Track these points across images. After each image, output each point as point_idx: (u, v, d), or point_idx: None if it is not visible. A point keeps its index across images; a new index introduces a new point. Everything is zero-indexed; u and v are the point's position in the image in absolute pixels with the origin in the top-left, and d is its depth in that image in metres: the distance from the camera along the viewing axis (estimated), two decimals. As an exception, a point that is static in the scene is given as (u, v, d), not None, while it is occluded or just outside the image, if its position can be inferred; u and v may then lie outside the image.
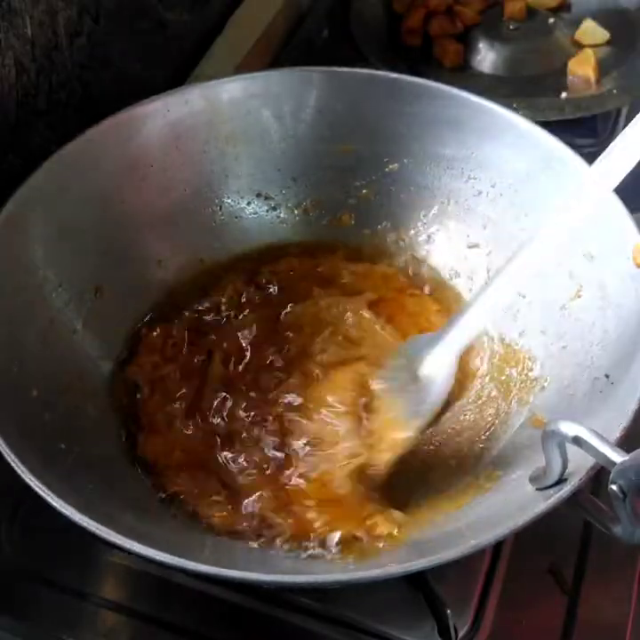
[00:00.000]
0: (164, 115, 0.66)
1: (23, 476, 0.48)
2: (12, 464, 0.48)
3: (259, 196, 0.71)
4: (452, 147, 0.67)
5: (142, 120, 0.66)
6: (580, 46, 0.88)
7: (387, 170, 0.69)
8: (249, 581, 0.47)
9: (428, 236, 0.70)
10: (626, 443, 0.48)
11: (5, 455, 0.48)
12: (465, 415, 0.62)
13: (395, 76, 0.68)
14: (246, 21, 0.89)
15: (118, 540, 0.46)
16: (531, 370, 0.62)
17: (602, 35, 0.88)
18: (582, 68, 0.84)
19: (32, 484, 0.47)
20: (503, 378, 0.63)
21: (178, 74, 0.83)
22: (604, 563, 0.59)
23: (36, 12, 0.65)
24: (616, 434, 0.48)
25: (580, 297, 0.60)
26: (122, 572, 0.60)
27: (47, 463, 0.50)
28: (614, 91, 0.82)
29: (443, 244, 0.69)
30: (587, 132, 0.82)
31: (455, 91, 0.66)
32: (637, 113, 0.81)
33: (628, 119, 0.83)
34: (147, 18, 0.79)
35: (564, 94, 0.83)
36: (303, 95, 0.68)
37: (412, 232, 0.70)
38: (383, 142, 0.68)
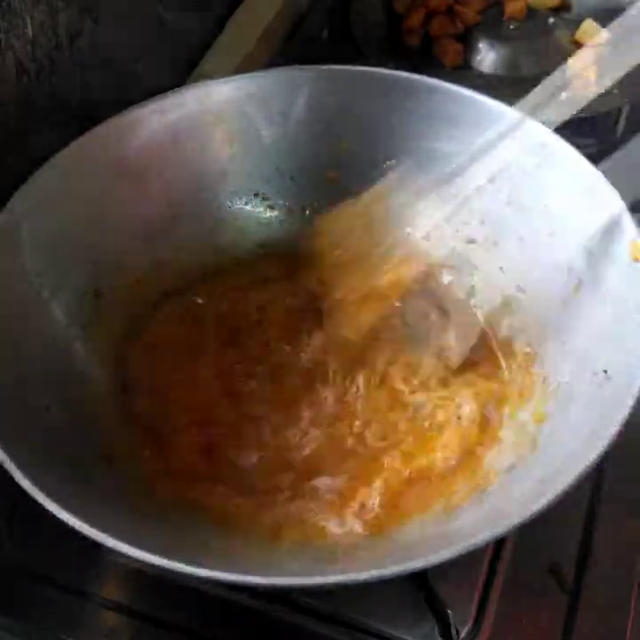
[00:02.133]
0: (160, 117, 0.66)
1: (21, 482, 0.48)
2: (11, 471, 0.48)
3: (256, 196, 0.71)
4: (449, 142, 0.66)
5: (139, 122, 0.66)
6: (580, 46, 0.87)
7: (384, 166, 0.69)
8: (246, 584, 0.47)
9: (426, 233, 0.70)
10: (623, 439, 0.48)
11: (4, 463, 0.48)
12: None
13: (389, 72, 0.68)
14: (246, 22, 0.89)
15: (116, 545, 0.45)
16: (531, 365, 0.62)
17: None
18: (583, 67, 0.84)
19: (30, 490, 0.47)
20: (504, 374, 0.63)
21: (178, 74, 0.83)
22: (605, 562, 0.59)
23: (36, 12, 0.65)
24: (614, 429, 0.48)
25: (578, 292, 0.60)
26: (123, 571, 0.60)
27: (46, 469, 0.50)
28: (614, 91, 0.82)
29: (441, 240, 0.69)
30: (587, 132, 0.82)
31: (450, 86, 0.66)
32: (638, 113, 0.82)
33: (629, 119, 0.84)
34: (147, 18, 0.79)
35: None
36: (298, 94, 0.68)
37: (410, 228, 0.70)
38: (379, 139, 0.68)
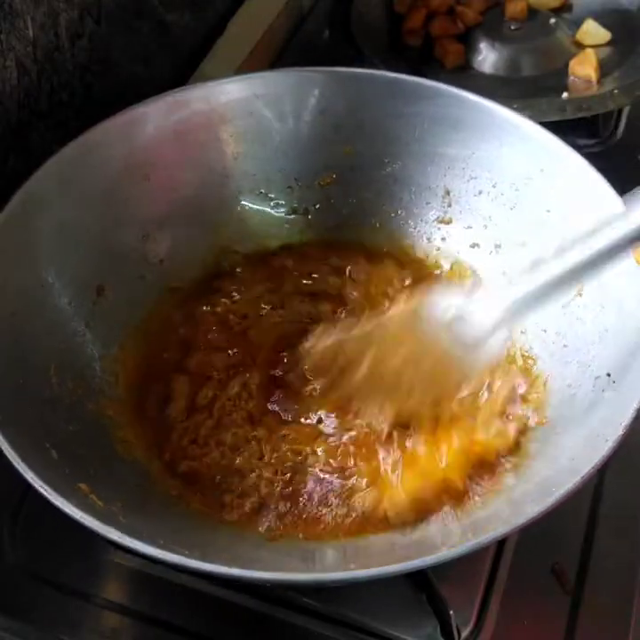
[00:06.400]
0: (164, 115, 0.66)
1: (25, 474, 0.48)
2: (14, 463, 0.48)
3: (260, 196, 0.71)
4: (453, 146, 0.67)
5: (143, 121, 0.66)
6: (581, 46, 0.88)
7: (388, 170, 0.69)
8: (247, 579, 0.47)
9: (429, 237, 0.70)
10: (626, 441, 0.48)
11: (8, 454, 0.48)
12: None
13: (394, 75, 0.68)
14: (247, 22, 0.90)
15: (118, 538, 0.46)
16: (533, 368, 0.62)
17: (603, 35, 0.88)
18: (583, 68, 0.84)
19: (34, 483, 0.47)
20: (506, 377, 0.63)
21: (179, 75, 0.83)
22: (607, 562, 0.59)
23: (37, 13, 0.65)
24: (618, 432, 0.48)
25: (580, 295, 0.60)
26: (124, 572, 0.60)
27: (49, 463, 0.50)
28: (615, 91, 0.82)
29: (444, 243, 0.70)
30: (588, 133, 0.83)
31: (455, 90, 0.66)
32: (638, 113, 0.82)
33: (630, 119, 0.84)
34: (148, 19, 0.79)
35: (565, 95, 0.83)
36: (304, 95, 0.68)
37: (414, 232, 0.70)
38: (384, 142, 0.68)
